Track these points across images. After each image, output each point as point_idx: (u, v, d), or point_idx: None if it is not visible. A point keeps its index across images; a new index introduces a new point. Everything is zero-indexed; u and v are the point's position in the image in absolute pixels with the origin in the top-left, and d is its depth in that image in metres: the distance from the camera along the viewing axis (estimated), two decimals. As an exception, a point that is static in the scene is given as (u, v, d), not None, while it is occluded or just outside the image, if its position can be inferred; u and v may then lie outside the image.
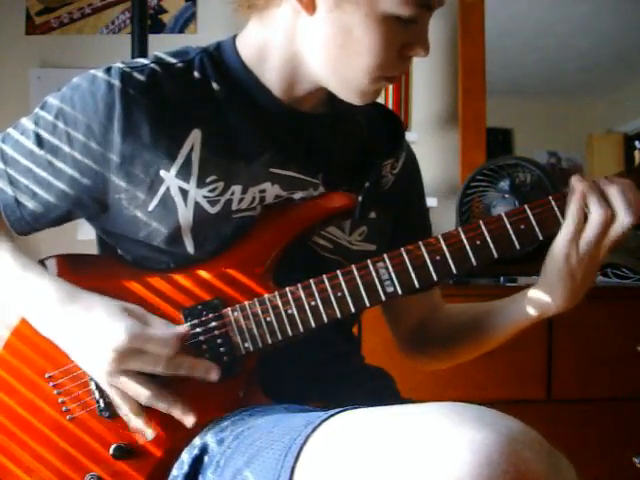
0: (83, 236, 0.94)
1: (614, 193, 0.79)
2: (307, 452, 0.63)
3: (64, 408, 0.82)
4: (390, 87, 2.17)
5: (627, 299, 1.85)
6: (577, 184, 0.81)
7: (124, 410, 0.79)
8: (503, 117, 2.32)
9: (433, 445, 0.54)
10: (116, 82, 0.81)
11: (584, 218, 0.80)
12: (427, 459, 0.54)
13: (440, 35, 2.24)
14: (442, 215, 2.05)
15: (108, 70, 0.83)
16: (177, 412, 0.78)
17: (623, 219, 0.79)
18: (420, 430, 0.56)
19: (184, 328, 0.80)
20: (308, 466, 0.63)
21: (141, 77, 0.83)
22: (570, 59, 2.42)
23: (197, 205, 0.83)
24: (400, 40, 0.82)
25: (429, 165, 2.15)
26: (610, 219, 0.78)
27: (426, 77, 2.24)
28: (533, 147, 2.38)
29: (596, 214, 0.79)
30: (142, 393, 0.77)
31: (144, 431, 0.80)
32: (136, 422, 0.79)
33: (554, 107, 2.42)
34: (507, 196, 1.83)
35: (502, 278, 1.85)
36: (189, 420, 0.78)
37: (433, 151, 2.23)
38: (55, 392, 0.82)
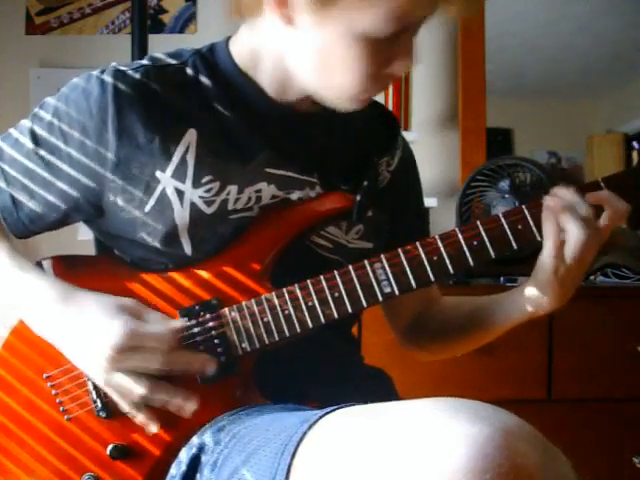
0: (83, 236, 0.94)
1: (582, 206, 0.79)
2: (303, 450, 0.63)
3: (62, 408, 0.82)
4: (390, 87, 2.17)
5: (627, 299, 1.85)
6: (548, 201, 0.80)
7: (124, 408, 0.79)
8: (503, 117, 2.32)
9: (428, 440, 0.54)
10: (109, 83, 0.82)
11: (561, 232, 0.79)
12: (422, 454, 0.54)
13: (440, 35, 2.24)
14: (442, 215, 2.05)
15: (103, 71, 0.83)
16: (177, 402, 0.78)
17: (597, 231, 0.78)
18: (415, 425, 0.57)
19: (180, 322, 0.80)
20: (304, 464, 0.63)
21: (134, 77, 0.83)
22: (570, 59, 2.42)
23: (193, 205, 0.83)
24: (381, 57, 0.79)
25: (429, 165, 2.15)
26: (585, 235, 0.78)
27: (426, 77, 2.24)
28: (533, 147, 2.38)
29: (572, 232, 0.78)
30: (137, 390, 0.77)
31: (148, 426, 0.79)
32: (139, 418, 0.79)
33: (554, 107, 2.42)
34: (507, 196, 1.83)
35: (502, 278, 1.85)
36: (189, 407, 0.78)
37: (433, 151, 2.23)
38: (53, 392, 0.82)
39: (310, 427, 0.65)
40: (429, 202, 2.00)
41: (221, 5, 0.89)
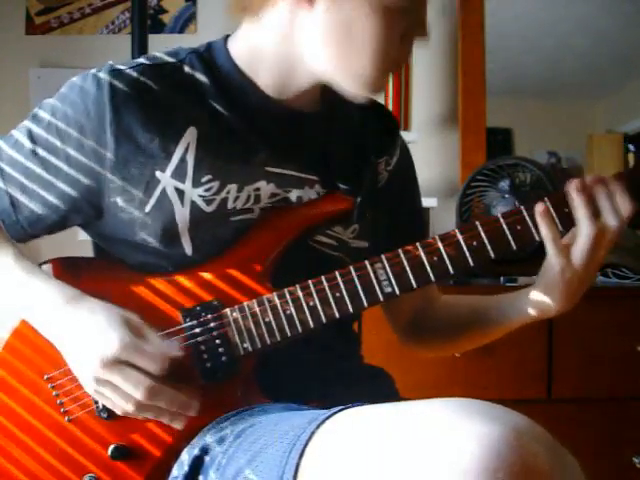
0: (84, 236, 0.94)
1: (602, 200, 0.79)
2: (312, 449, 0.63)
3: (62, 409, 0.82)
4: (390, 87, 2.17)
5: (627, 299, 1.85)
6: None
7: (118, 412, 0.79)
8: (503, 117, 2.32)
9: (440, 438, 0.54)
10: (106, 81, 0.81)
11: (562, 229, 0.80)
12: (434, 453, 0.53)
13: (440, 35, 2.24)
14: (442, 215, 2.05)
15: (100, 70, 0.83)
16: (178, 404, 0.77)
17: (612, 225, 0.78)
18: (426, 424, 0.56)
19: (177, 352, 0.78)
20: (313, 463, 0.62)
21: (132, 75, 0.82)
22: (570, 59, 2.42)
23: (193, 204, 0.83)
24: (401, 28, 0.82)
25: (429, 165, 2.15)
26: (599, 230, 0.78)
27: (426, 77, 2.24)
28: (533, 147, 2.38)
29: (585, 227, 0.78)
30: (127, 404, 0.76)
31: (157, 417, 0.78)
32: (139, 417, 0.78)
33: (554, 107, 2.42)
34: (507, 196, 1.83)
35: (502, 278, 1.85)
36: (193, 408, 0.77)
37: (433, 151, 2.23)
38: (54, 393, 0.82)
39: (318, 427, 0.64)
40: (429, 202, 2.00)
41: (223, 2, 0.88)
